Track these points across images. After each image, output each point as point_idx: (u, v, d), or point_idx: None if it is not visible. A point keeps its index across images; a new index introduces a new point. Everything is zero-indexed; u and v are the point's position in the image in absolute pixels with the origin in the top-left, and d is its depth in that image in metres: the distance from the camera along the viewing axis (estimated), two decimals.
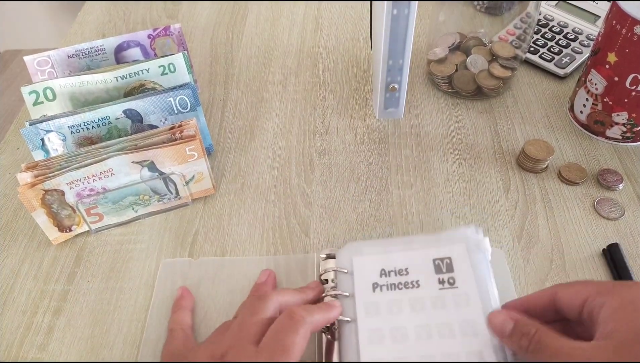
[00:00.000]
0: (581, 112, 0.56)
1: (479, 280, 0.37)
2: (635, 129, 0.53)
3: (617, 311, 0.31)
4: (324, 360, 0.38)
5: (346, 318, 0.38)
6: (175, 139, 0.47)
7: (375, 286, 0.39)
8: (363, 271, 0.40)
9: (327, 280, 0.42)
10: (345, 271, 0.41)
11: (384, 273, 0.39)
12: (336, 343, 0.38)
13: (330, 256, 0.43)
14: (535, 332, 0.32)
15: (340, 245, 0.47)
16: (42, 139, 0.47)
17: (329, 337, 0.39)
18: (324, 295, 0.41)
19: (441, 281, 0.38)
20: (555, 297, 0.34)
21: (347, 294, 0.39)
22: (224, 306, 0.43)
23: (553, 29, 0.65)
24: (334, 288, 0.41)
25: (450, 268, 0.38)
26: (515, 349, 0.33)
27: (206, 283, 0.45)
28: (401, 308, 0.37)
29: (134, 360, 0.41)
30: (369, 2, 0.70)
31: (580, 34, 0.64)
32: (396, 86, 0.54)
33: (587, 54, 0.62)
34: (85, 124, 0.48)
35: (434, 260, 0.39)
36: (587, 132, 0.56)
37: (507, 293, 0.43)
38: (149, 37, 0.56)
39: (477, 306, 0.36)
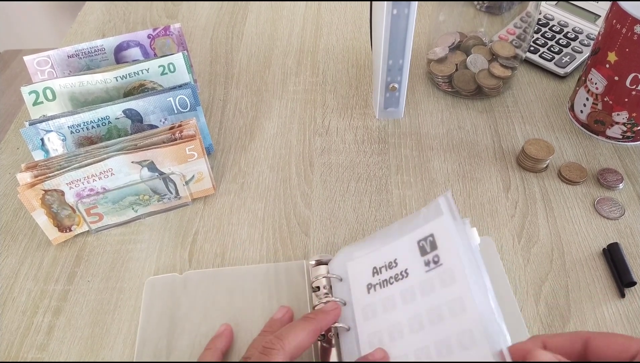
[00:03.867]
0: (581, 111, 0.56)
1: (461, 250, 0.34)
2: (635, 129, 0.53)
3: None
4: None
5: (345, 326, 0.38)
6: (175, 139, 0.47)
7: (369, 287, 0.38)
8: (357, 275, 0.39)
9: (318, 287, 0.41)
10: (337, 277, 0.40)
11: (376, 271, 0.38)
12: (333, 350, 0.37)
13: (320, 263, 0.43)
14: None
15: (341, 245, 0.47)
16: (42, 139, 0.47)
17: (325, 344, 0.38)
18: (316, 303, 0.40)
19: (427, 263, 0.36)
20: (588, 345, 0.30)
21: (343, 301, 0.39)
22: (215, 323, 0.42)
23: (553, 28, 0.65)
24: (327, 295, 0.40)
25: (434, 246, 0.36)
26: None
27: (194, 299, 0.44)
28: (394, 304, 0.36)
29: (133, 360, 0.41)
30: (369, 2, 0.70)
31: (581, 33, 0.64)
32: (396, 85, 0.54)
33: (587, 54, 0.62)
34: (85, 124, 0.48)
35: (419, 242, 0.37)
36: (588, 132, 0.56)
37: (499, 280, 0.42)
38: (148, 37, 0.56)
39: (463, 281, 0.34)
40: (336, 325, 0.38)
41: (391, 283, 0.37)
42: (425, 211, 0.38)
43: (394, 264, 0.38)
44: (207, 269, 0.46)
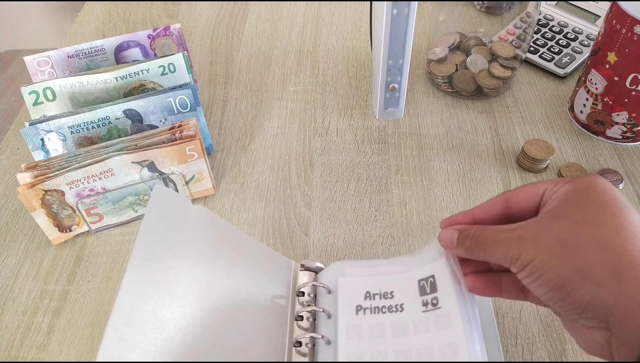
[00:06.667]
0: (581, 112, 0.56)
1: (459, 296, 0.35)
2: (635, 129, 0.53)
3: (568, 192, 0.30)
4: None
5: (326, 339, 0.37)
6: (175, 139, 0.47)
7: (358, 308, 0.37)
8: (347, 293, 0.39)
9: (302, 293, 0.40)
10: (323, 286, 0.39)
11: (368, 295, 0.38)
12: (305, 360, 0.37)
13: (307, 269, 0.42)
14: (475, 230, 0.32)
15: (340, 245, 0.47)
16: (42, 139, 0.47)
17: (300, 355, 0.37)
18: (298, 311, 0.39)
19: (425, 304, 0.36)
20: (508, 202, 0.33)
21: (325, 312, 0.38)
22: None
23: (553, 28, 0.65)
24: (310, 303, 0.39)
25: (434, 288, 0.36)
26: (463, 253, 0.33)
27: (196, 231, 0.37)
28: (383, 333, 0.36)
29: None
30: (369, 2, 0.70)
31: (580, 33, 0.64)
32: (396, 85, 0.54)
33: (587, 54, 0.62)
34: (85, 124, 0.48)
35: (419, 281, 0.37)
36: (587, 132, 0.56)
37: (484, 309, 0.41)
38: (149, 37, 0.56)
39: (458, 328, 0.34)
40: (316, 336, 0.37)
41: (383, 312, 0.37)
42: (428, 249, 0.38)
43: (389, 295, 0.38)
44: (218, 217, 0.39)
